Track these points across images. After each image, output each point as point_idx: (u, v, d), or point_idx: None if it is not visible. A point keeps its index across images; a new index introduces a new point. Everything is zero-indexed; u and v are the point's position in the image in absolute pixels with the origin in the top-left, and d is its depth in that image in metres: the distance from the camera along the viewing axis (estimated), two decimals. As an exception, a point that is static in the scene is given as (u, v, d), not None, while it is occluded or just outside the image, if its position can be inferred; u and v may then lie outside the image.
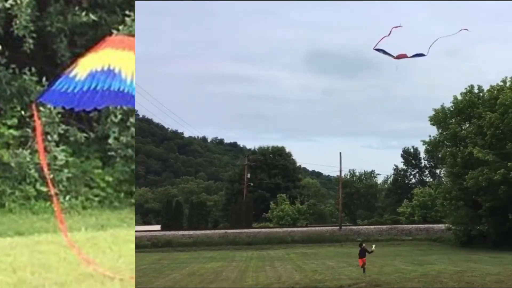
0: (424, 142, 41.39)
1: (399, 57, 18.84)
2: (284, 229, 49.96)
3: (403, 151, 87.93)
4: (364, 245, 19.11)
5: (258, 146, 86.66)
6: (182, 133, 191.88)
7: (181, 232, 47.27)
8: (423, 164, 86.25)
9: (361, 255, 18.47)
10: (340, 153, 57.10)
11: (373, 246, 19.47)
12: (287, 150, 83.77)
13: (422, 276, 15.71)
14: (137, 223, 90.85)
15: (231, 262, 26.93)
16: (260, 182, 75.93)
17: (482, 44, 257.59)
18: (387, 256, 28.22)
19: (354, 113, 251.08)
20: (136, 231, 48.42)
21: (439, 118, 40.05)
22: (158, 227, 66.08)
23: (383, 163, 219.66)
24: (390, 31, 17.73)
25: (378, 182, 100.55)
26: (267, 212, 62.84)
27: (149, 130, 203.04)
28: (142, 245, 40.08)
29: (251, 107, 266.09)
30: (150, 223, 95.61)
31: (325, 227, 53.79)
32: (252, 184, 71.74)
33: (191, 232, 47.38)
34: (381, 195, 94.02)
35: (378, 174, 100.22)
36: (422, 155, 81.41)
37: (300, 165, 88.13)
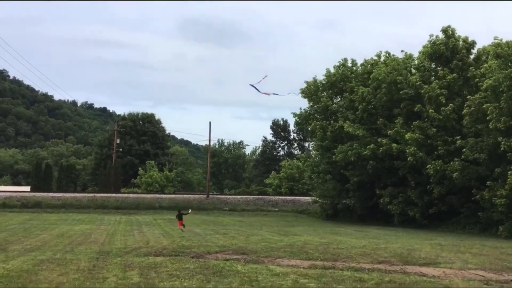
0: (295, 115, 39.16)
1: (265, 93, 25.59)
2: (152, 195, 49.18)
3: (272, 123, 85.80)
4: (182, 210, 24.13)
5: (128, 112, 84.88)
6: (52, 96, 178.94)
7: (50, 194, 46.84)
8: (292, 137, 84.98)
9: (179, 218, 22.44)
10: (210, 122, 55.20)
11: (189, 210, 26.89)
12: (157, 117, 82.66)
13: (287, 246, 15.42)
14: (7, 183, 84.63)
15: (99, 225, 26.54)
16: (129, 148, 73.95)
17: (362, 19, 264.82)
18: (254, 226, 28.03)
19: (226, 83, 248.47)
20: (5, 191, 43.59)
21: (311, 90, 37.88)
22: (27, 188, 63.57)
23: (252, 134, 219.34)
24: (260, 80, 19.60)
25: (247, 153, 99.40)
26: (135, 178, 61.20)
27: (19, 92, 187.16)
28: (12, 205, 40.50)
29: (123, 73, 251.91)
30: (19, 184, 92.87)
31: (192, 195, 52.74)
32: (121, 149, 69.88)
33: (60, 195, 46.72)
34: (249, 166, 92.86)
35: (247, 145, 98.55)
36: (292, 127, 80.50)
37: (169, 133, 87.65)
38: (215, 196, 51.40)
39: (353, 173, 33.62)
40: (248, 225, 28.64)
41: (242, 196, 50.42)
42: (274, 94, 31.04)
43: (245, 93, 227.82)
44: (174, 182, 62.88)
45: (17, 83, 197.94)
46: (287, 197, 49.70)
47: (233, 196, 51.06)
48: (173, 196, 49.24)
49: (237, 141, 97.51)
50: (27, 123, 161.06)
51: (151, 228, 25.07)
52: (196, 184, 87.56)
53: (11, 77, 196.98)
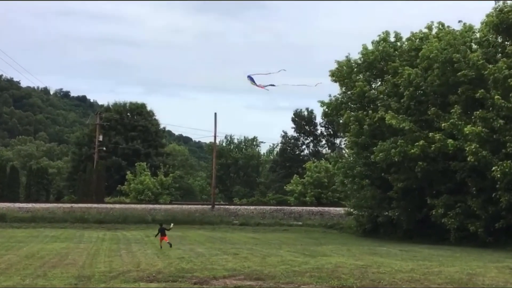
0: (323, 104, 39.04)
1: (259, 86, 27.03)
2: (144, 205, 49.76)
3: (294, 114, 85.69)
4: (164, 225, 25.45)
5: (113, 101, 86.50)
6: (18, 82, 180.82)
7: (17, 205, 47.60)
8: (319, 131, 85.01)
9: (162, 234, 23.96)
10: (215, 113, 54.71)
11: (171, 224, 27.75)
12: (149, 108, 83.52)
13: (314, 270, 15.64)
14: None
15: (78, 243, 27.08)
16: (115, 146, 74.70)
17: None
18: (271, 244, 28.25)
19: (235, 64, 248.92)
20: None
21: (343, 73, 37.83)
22: (-12, 198, 64.60)
23: (269, 129, 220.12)
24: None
25: (262, 152, 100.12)
26: (123, 184, 62.05)
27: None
28: None
29: (106, 52, 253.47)
30: None
31: (194, 205, 53.17)
32: (105, 148, 70.86)
33: (30, 205, 47.53)
34: (264, 169, 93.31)
35: (262, 142, 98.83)
36: (319, 119, 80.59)
37: (164, 127, 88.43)
38: (222, 206, 51.61)
39: (397, 177, 33.42)
40: (264, 243, 28.75)
41: (256, 207, 50.62)
42: (271, 85, 31.94)
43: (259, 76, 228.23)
44: (171, 189, 63.31)
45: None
46: (313, 208, 49.77)
47: (245, 207, 51.27)
48: (169, 206, 49.50)
49: (249, 138, 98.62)
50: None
51: (142, 246, 25.24)
52: (199, 192, 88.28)
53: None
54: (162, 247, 23.44)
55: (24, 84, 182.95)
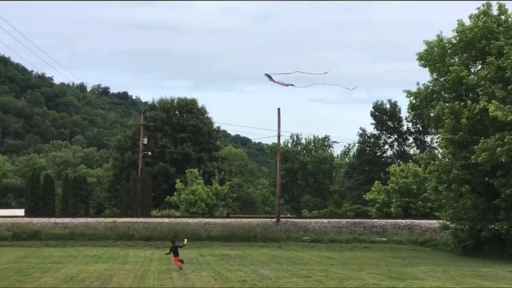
0: (409, 94, 38.94)
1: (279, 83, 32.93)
2: (197, 219, 50.06)
3: (374, 107, 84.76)
4: (176, 242, 25.73)
5: (158, 97, 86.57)
6: (51, 78, 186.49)
7: (53, 220, 48.14)
8: (405, 128, 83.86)
9: (175, 253, 24.43)
10: (279, 109, 54.38)
11: (185, 240, 28.05)
12: (200, 104, 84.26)
13: None
14: None
15: (123, 264, 27.78)
16: (161, 150, 75.37)
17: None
18: (350, 264, 28.35)
19: (300, 49, 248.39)
20: None
21: (434, 56, 37.58)
22: (21, 211, 66.02)
23: (344, 125, 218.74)
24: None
25: (335, 154, 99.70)
26: (171, 194, 62.44)
27: (5, 73, 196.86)
28: (0, 237, 41.88)
29: (150, 40, 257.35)
30: (9, 206, 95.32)
31: (255, 218, 53.41)
32: (150, 153, 71.50)
33: (67, 220, 48.14)
34: (339, 174, 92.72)
35: (335, 142, 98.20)
36: (405, 113, 79.28)
37: (219, 127, 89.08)
38: (289, 220, 51.60)
39: (504, 182, 33.07)
40: (341, 263, 28.83)
41: (330, 220, 50.46)
42: (290, 85, 34.80)
43: (331, 62, 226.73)
44: (228, 199, 63.46)
45: (3, 61, 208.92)
46: (400, 221, 49.45)
47: (317, 220, 51.15)
48: (226, 220, 49.81)
49: (320, 137, 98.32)
50: (17, 119, 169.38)
51: (196, 268, 25.59)
52: (261, 203, 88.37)
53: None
54: (182, 268, 24.02)
55: (57, 80, 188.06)
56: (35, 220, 47.55)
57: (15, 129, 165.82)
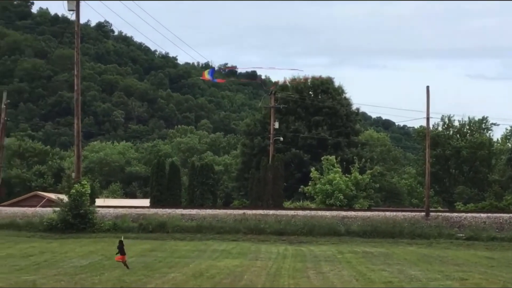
0: None
1: None
2: (335, 212, 49.90)
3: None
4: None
5: (290, 76, 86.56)
6: (175, 58, 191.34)
7: (179, 211, 49.32)
8: None
9: (121, 251, 23.61)
10: (428, 87, 53.27)
11: (121, 237, 28.44)
12: (337, 83, 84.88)
13: None
14: (117, 195, 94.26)
15: (254, 260, 28.13)
16: (294, 135, 76.13)
17: None
18: None
19: (456, 17, 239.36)
20: (115, 207, 50.75)
21: None
22: (146, 201, 69.43)
23: (506, 105, 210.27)
24: None
25: (495, 139, 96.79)
26: (306, 184, 62.34)
27: (128, 54, 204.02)
28: (126, 228, 43.04)
29: (279, 13, 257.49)
30: (134, 196, 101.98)
31: (401, 212, 52.62)
32: (282, 138, 71.99)
33: (194, 212, 49.19)
34: (500, 161, 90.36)
35: (495, 125, 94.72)
36: None
37: (358, 109, 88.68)
38: (440, 214, 50.64)
39: None
40: (504, 265, 27.94)
41: (489, 215, 48.79)
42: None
43: (490, 31, 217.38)
44: (369, 190, 63.01)
45: (125, 41, 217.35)
46: None
47: (473, 215, 49.57)
48: (368, 213, 49.34)
49: (476, 119, 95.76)
50: (140, 102, 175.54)
51: (335, 266, 25.62)
52: (407, 194, 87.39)
53: (116, 32, 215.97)
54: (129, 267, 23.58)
55: (181, 60, 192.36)
56: (160, 211, 48.74)
57: (139, 113, 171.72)
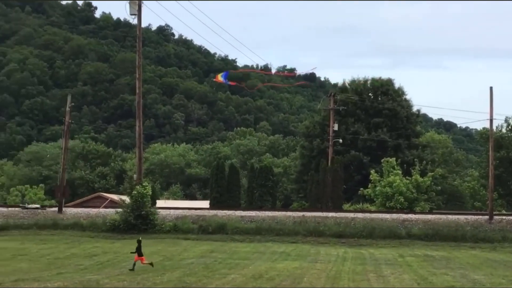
0: None
1: None
2: (395, 215, 49.60)
3: None
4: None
5: (349, 78, 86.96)
6: (234, 61, 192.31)
7: (238, 213, 49.64)
8: None
9: (139, 253, 24.46)
10: (491, 88, 52.47)
11: (140, 237, 27.28)
12: (397, 85, 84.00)
13: None
14: (177, 196, 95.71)
15: (313, 263, 28.28)
16: (354, 137, 76.06)
17: None
18: None
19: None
20: (176, 208, 51.08)
21: None
22: (206, 203, 70.33)
23: None
24: None
25: None
26: (366, 186, 62.45)
27: (188, 57, 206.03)
28: (186, 229, 43.65)
29: (339, 13, 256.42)
30: (194, 198, 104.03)
31: (464, 215, 51.72)
32: (341, 140, 71.91)
33: (253, 213, 49.32)
34: None
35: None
36: None
37: (419, 110, 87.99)
38: (504, 217, 49.99)
39: None
40: None
41: (560, 220, 48.11)
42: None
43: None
44: (431, 193, 62.56)
45: (185, 44, 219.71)
46: None
47: (541, 219, 49.12)
48: (429, 217, 48.92)
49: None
50: (200, 105, 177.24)
51: (396, 269, 25.60)
52: (469, 197, 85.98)
53: (176, 36, 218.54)
54: (134, 269, 24.02)
55: (240, 62, 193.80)
56: (220, 212, 49.02)
57: (199, 116, 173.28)
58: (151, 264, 24.48)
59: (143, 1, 47.01)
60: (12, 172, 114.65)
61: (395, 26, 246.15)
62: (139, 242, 24.93)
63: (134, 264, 24.31)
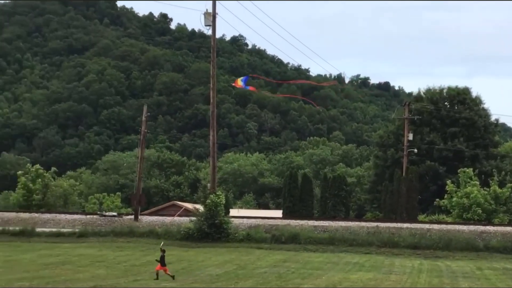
0: None
1: None
2: (472, 227, 48.73)
3: None
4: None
5: (425, 87, 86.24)
6: (307, 70, 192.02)
7: (311, 222, 49.51)
8: None
9: (162, 263, 24.54)
10: None
11: (161, 243, 28.45)
12: (474, 93, 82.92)
13: None
14: (250, 205, 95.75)
15: (388, 274, 28.33)
16: (429, 147, 75.29)
17: None
18: None
19: None
20: (249, 218, 51.58)
21: None
22: (279, 212, 70.31)
23: None
24: None
25: None
26: (441, 197, 61.15)
27: (261, 67, 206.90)
28: (259, 239, 43.89)
29: (416, 21, 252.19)
30: (267, 207, 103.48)
31: (545, 227, 51.13)
32: (416, 150, 70.74)
33: (326, 223, 49.29)
34: None
35: None
36: None
37: (497, 120, 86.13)
38: None
39: None
40: None
41: None
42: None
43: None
44: (510, 204, 60.61)
45: (258, 54, 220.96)
46: None
47: None
48: (508, 229, 47.72)
49: None
50: (273, 114, 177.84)
51: (473, 282, 25.56)
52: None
53: (250, 46, 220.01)
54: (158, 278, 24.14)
55: (313, 72, 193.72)
56: (293, 222, 49.06)
57: (271, 125, 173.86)
58: (173, 276, 24.14)
59: (217, 13, 47.42)
60: (90, 180, 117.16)
61: (472, 32, 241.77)
62: (163, 251, 24.86)
63: (157, 273, 24.29)
